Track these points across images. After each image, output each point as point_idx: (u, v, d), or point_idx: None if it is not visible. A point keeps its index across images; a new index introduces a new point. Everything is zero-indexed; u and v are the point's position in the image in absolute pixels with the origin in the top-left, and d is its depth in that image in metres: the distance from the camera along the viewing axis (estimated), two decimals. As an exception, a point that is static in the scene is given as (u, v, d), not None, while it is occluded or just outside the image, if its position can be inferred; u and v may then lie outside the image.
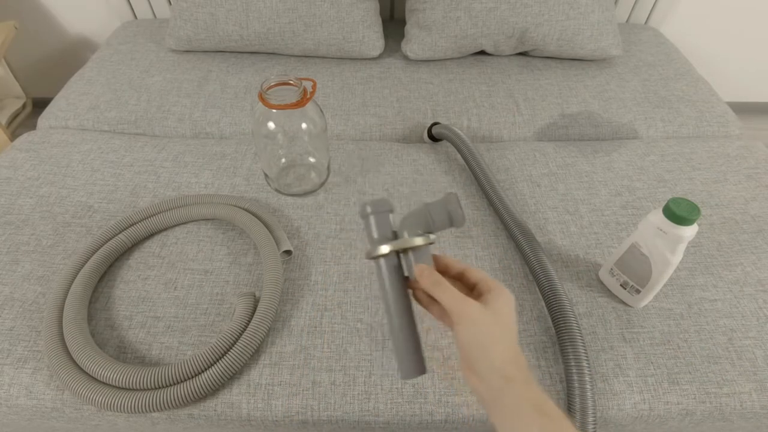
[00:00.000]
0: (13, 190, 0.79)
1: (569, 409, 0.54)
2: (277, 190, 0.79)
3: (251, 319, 0.60)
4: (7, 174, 0.82)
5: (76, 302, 0.61)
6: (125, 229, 0.71)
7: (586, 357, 0.55)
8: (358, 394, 0.57)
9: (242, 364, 0.57)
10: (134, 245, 0.71)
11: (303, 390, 0.57)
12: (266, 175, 0.79)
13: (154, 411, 0.54)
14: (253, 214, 0.72)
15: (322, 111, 0.73)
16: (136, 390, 0.54)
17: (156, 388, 0.54)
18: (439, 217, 0.43)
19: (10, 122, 1.46)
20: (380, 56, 1.16)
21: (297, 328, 0.62)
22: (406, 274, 0.45)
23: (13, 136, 1.42)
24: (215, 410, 0.56)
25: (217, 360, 0.56)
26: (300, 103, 0.66)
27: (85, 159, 0.85)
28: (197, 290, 0.66)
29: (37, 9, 1.42)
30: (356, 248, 0.71)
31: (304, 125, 0.71)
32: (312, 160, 0.80)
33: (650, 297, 0.63)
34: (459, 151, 0.84)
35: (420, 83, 1.07)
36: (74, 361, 0.57)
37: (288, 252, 0.69)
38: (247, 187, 0.80)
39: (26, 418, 0.59)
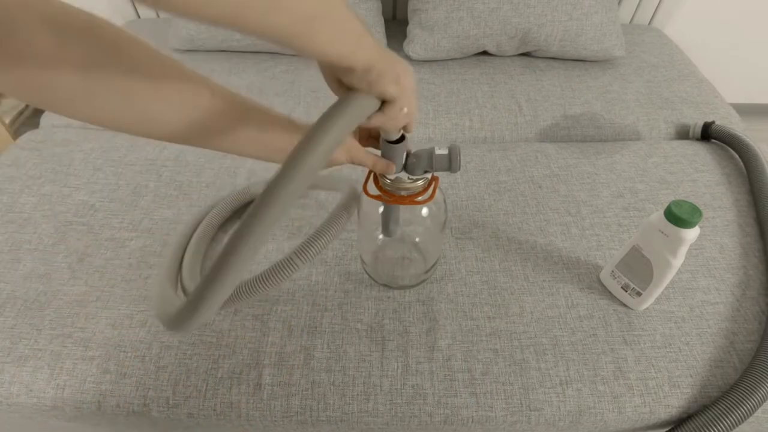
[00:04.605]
0: (15, 188, 0.79)
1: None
2: (371, 277, 0.68)
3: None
4: (9, 172, 0.82)
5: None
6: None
7: None
8: (358, 394, 0.57)
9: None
10: (138, 243, 0.71)
11: (302, 390, 0.57)
12: (362, 260, 0.68)
13: None
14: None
15: (445, 200, 0.61)
16: None
17: None
18: (441, 162, 0.49)
19: (13, 121, 1.46)
20: (382, 56, 1.16)
21: (297, 329, 0.62)
22: None
23: (16, 135, 1.43)
24: (215, 410, 0.57)
25: None
26: (426, 198, 0.53)
27: (87, 158, 0.85)
28: (198, 290, 0.66)
29: (41, 8, 1.42)
30: (356, 249, 0.71)
31: (424, 211, 0.60)
32: (418, 252, 0.68)
33: (651, 299, 0.63)
34: (742, 157, 0.84)
35: (422, 83, 1.07)
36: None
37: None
38: (249, 187, 0.80)
39: (26, 416, 0.59)
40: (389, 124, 0.41)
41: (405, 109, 0.40)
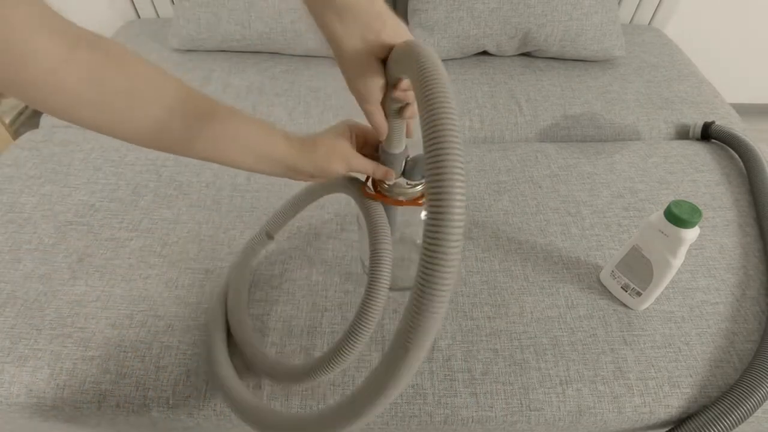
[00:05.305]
0: (15, 188, 0.79)
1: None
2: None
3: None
4: (9, 172, 0.82)
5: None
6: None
7: None
8: (358, 394, 0.57)
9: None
10: (138, 243, 0.71)
11: (302, 390, 0.57)
12: (363, 262, 0.68)
13: None
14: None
15: None
16: None
17: None
18: None
19: (13, 121, 1.46)
20: (382, 56, 1.16)
21: (297, 329, 0.62)
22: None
23: (16, 135, 1.43)
24: (214, 410, 0.56)
25: None
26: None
27: (87, 158, 0.85)
28: (198, 289, 0.66)
29: (40, 8, 1.42)
30: (356, 249, 0.71)
31: (423, 213, 0.58)
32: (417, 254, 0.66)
33: (651, 300, 0.63)
34: (742, 157, 0.84)
35: (422, 83, 1.07)
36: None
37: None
38: (248, 186, 0.80)
39: (26, 417, 0.59)
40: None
41: None
